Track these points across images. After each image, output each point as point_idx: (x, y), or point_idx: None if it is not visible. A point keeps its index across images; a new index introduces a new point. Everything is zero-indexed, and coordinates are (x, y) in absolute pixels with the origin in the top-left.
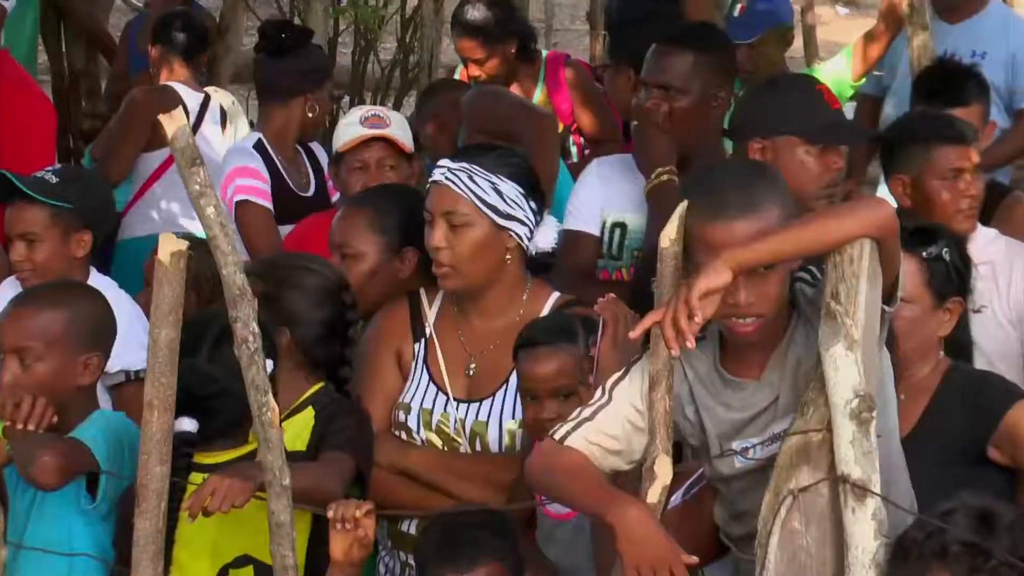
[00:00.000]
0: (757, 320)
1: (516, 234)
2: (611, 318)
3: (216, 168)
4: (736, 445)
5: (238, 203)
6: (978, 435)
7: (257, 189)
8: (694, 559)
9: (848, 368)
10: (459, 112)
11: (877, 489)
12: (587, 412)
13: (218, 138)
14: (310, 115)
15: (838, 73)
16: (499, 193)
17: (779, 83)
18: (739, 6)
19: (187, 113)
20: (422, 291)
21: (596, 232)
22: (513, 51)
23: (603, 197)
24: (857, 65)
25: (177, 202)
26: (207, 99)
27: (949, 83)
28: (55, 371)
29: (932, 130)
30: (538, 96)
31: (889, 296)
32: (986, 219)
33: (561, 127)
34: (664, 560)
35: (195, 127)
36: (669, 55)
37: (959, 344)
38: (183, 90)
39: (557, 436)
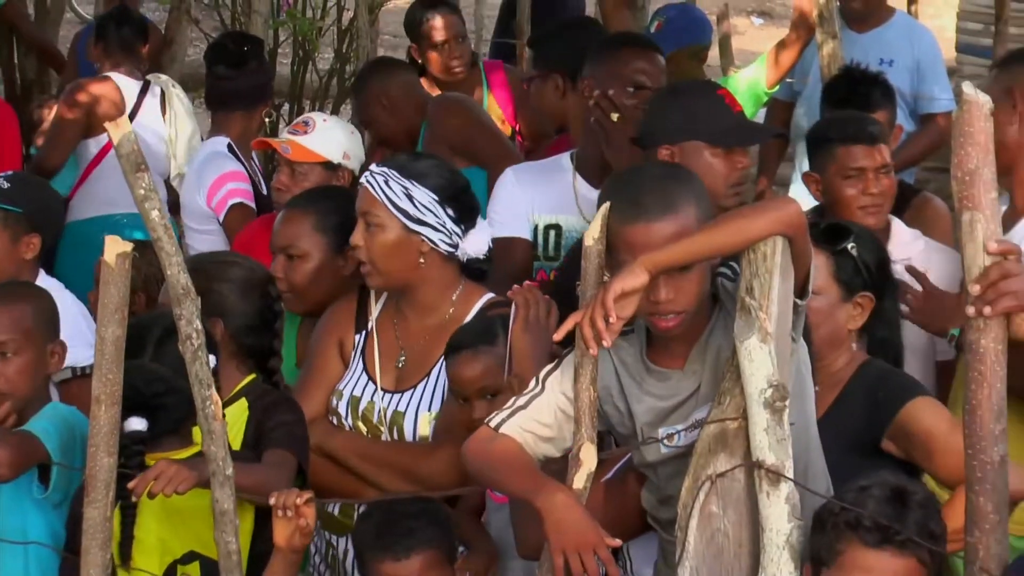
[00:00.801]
0: (677, 316)
1: (428, 239)
2: (522, 303)
3: (154, 155)
4: (661, 432)
5: (233, 205)
6: (874, 428)
7: (246, 192)
8: (617, 542)
9: (762, 359)
10: (417, 103)
11: (790, 474)
12: (521, 401)
13: (158, 123)
14: (267, 120)
15: (753, 80)
16: (411, 199)
17: (680, 91)
18: (656, 23)
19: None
20: (372, 292)
21: (527, 236)
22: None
23: (527, 201)
24: (771, 73)
25: (120, 185)
26: (146, 85)
27: (856, 90)
28: (33, 361)
29: (839, 131)
30: (486, 100)
31: (801, 290)
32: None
33: (509, 130)
34: (588, 544)
35: (133, 114)
36: (653, 60)
37: (886, 342)
38: (121, 79)
39: (492, 424)
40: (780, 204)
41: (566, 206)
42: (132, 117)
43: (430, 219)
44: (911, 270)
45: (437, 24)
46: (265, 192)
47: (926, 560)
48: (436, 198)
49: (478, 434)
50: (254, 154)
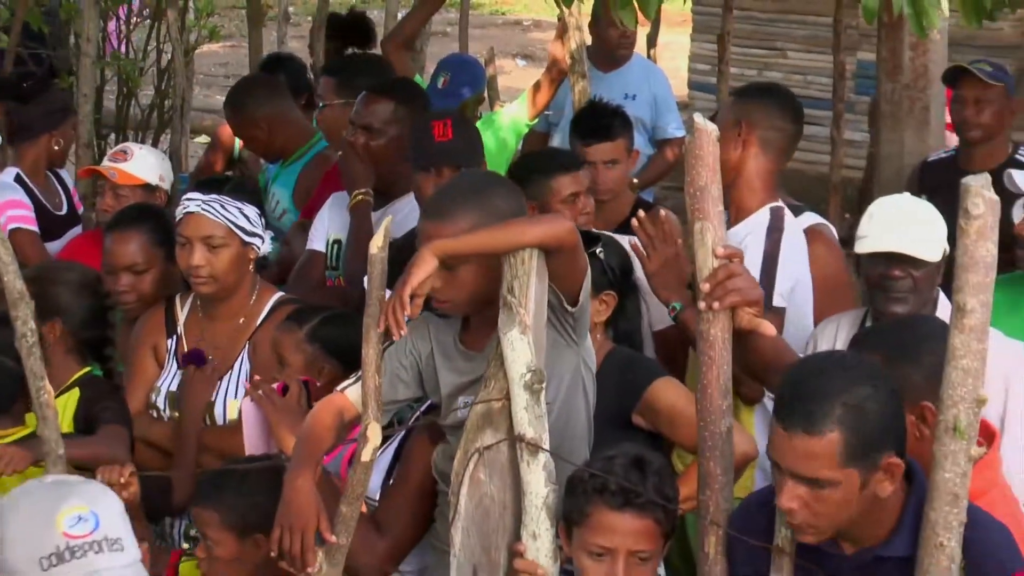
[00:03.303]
0: (444, 303)
1: (257, 247)
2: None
3: None
4: (460, 401)
5: (12, 230)
6: (625, 405)
7: (25, 217)
8: (333, 539)
9: (522, 348)
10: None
11: (547, 446)
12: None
13: None
14: (56, 148)
15: (516, 114)
16: (246, 217)
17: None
18: (442, 79)
19: None
20: (177, 297)
21: (324, 250)
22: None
23: (329, 221)
24: (531, 108)
25: None
26: None
27: (599, 121)
28: None
29: (551, 163)
30: None
31: (574, 299)
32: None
33: None
34: (300, 527)
35: None
36: (374, 102)
37: (629, 333)
38: None
39: (339, 387)
40: (555, 219)
41: (348, 225)
42: None
43: (258, 230)
44: (635, 247)
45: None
46: (64, 212)
47: (662, 520)
48: (258, 212)
49: (325, 398)
50: (68, 178)
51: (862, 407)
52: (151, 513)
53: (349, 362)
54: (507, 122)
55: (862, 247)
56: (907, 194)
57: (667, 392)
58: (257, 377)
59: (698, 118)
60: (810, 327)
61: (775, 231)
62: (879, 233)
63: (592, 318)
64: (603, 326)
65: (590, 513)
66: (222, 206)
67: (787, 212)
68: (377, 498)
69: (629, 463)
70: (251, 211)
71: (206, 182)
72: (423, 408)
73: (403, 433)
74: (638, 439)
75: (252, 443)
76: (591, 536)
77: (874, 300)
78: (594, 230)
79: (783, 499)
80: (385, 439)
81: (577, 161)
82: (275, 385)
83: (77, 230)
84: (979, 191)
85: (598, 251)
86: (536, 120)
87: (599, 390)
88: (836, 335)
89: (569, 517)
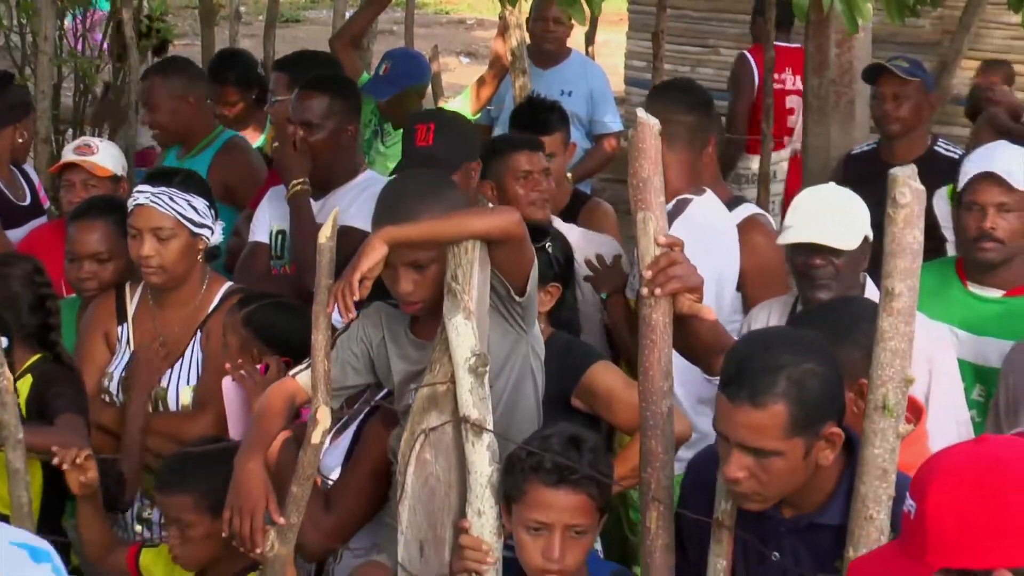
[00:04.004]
0: (414, 304)
1: (206, 237)
2: (240, 378)
3: None
4: (411, 387)
5: None
6: (565, 387)
7: None
8: (282, 520)
9: (466, 333)
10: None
11: (491, 427)
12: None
13: None
14: (19, 141)
15: (460, 108)
16: (194, 208)
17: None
18: (384, 66)
19: None
20: (127, 285)
21: (267, 240)
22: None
23: (270, 214)
24: (474, 102)
25: None
26: None
27: (536, 116)
28: None
29: (507, 143)
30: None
31: (522, 289)
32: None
33: None
34: (249, 509)
35: None
36: (310, 97)
37: (569, 321)
38: None
39: (291, 373)
40: (503, 212)
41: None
42: None
43: (207, 221)
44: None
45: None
46: (28, 203)
47: (596, 496)
48: (207, 203)
49: (277, 382)
50: (32, 170)
51: (805, 380)
52: (108, 503)
53: (276, 349)
54: None
55: (786, 238)
56: (831, 184)
57: (604, 376)
58: (240, 360)
59: (641, 113)
60: (724, 316)
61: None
62: (801, 224)
63: (538, 307)
64: (546, 315)
65: (527, 490)
66: (170, 198)
67: (698, 203)
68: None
69: (565, 441)
70: (199, 203)
71: (156, 174)
72: (381, 395)
73: (362, 417)
74: (577, 421)
75: (234, 421)
76: (528, 512)
77: (800, 287)
78: (543, 223)
79: (730, 469)
80: (343, 423)
81: (537, 143)
82: (259, 366)
83: (40, 221)
84: (906, 181)
85: (547, 245)
86: (479, 114)
87: None
88: (768, 320)
89: (508, 494)
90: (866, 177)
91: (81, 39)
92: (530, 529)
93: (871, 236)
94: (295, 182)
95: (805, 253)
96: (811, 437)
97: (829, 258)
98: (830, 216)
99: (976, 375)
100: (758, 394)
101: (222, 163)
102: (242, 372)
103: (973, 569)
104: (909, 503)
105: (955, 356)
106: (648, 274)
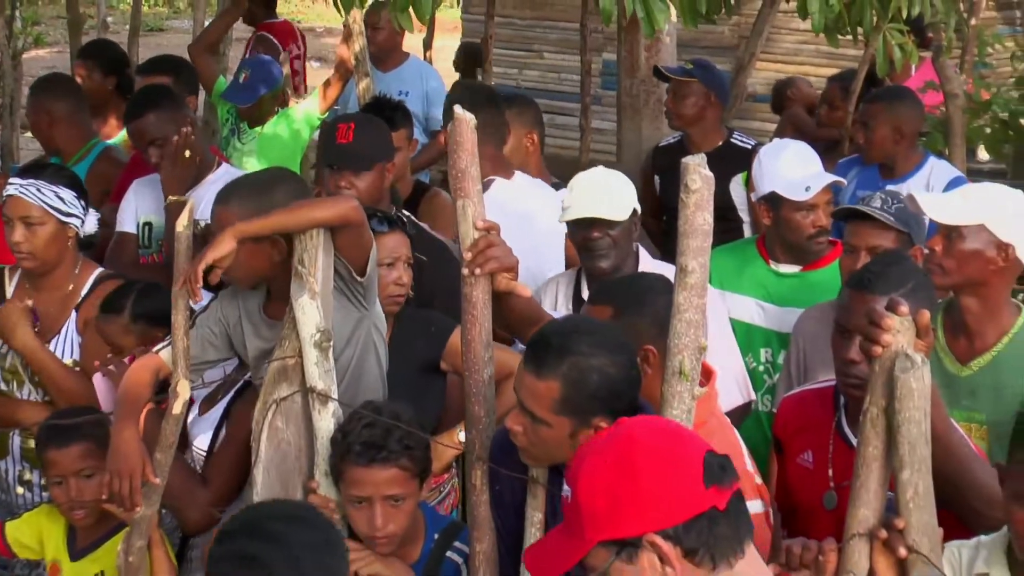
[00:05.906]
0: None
1: (74, 225)
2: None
3: None
4: (265, 363)
5: None
6: (432, 355)
7: None
8: (156, 480)
9: (312, 311)
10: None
11: (335, 396)
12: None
13: None
14: None
15: (309, 108)
16: (61, 199)
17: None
18: (243, 75)
19: None
20: (6, 270)
21: (134, 231)
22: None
23: (137, 205)
24: (321, 103)
25: None
26: None
27: (382, 114)
28: None
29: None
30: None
31: (362, 269)
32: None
33: None
34: (127, 472)
35: None
36: (139, 120)
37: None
38: None
39: (154, 349)
40: (343, 200)
41: (156, 209)
42: None
43: (75, 211)
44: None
45: None
46: None
47: (408, 466)
48: (75, 194)
49: (141, 358)
50: None
51: (587, 373)
52: None
53: (167, 324)
54: (301, 116)
55: (566, 216)
56: (600, 167)
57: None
58: (109, 355)
59: (458, 109)
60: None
61: None
62: (578, 202)
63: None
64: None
65: (343, 470)
66: (38, 189)
67: (499, 184)
68: (205, 449)
69: (372, 422)
70: (67, 193)
71: (28, 167)
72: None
73: (232, 394)
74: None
75: (108, 409)
76: (348, 489)
77: (583, 259)
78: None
79: (510, 420)
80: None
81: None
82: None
83: None
84: (696, 168)
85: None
86: (327, 113)
87: (406, 341)
88: (557, 291)
89: (335, 472)
90: (671, 166)
91: None
92: (353, 503)
93: (639, 209)
94: (172, 198)
95: (585, 227)
96: (580, 422)
97: (605, 230)
98: (601, 194)
99: (781, 342)
100: (540, 366)
101: (97, 173)
102: (111, 367)
103: (626, 538)
104: (565, 489)
105: (727, 319)
106: (468, 255)
